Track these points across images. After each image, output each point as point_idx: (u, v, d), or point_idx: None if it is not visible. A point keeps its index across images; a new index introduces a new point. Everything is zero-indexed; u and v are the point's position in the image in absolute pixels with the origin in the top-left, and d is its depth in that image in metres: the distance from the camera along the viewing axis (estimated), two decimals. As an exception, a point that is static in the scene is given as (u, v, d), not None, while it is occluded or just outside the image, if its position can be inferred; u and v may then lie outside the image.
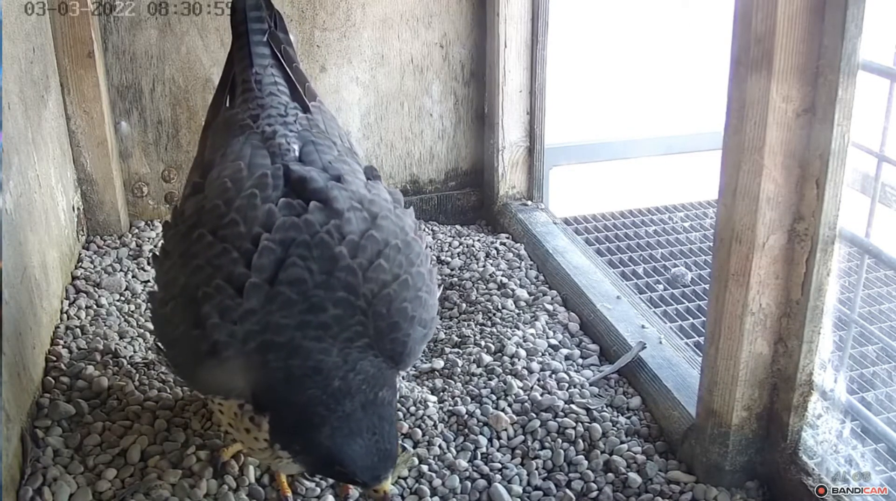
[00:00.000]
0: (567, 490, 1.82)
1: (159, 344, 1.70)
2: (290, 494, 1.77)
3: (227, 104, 1.98)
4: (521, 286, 2.58)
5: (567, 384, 2.11)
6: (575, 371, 2.18)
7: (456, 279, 2.66)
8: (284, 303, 1.48)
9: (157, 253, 1.76)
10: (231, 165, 1.69)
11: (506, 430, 1.98)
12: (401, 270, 1.59)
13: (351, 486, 1.79)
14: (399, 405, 2.05)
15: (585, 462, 1.88)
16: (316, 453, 1.48)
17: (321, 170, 1.69)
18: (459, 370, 2.20)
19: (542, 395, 2.06)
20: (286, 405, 1.47)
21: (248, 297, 1.48)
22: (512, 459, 1.91)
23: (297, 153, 1.74)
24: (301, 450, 1.49)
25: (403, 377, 2.19)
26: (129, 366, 2.15)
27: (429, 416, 2.01)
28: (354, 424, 1.45)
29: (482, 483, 1.84)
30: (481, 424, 1.99)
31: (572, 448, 1.92)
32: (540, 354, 2.23)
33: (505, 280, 2.59)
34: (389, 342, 1.56)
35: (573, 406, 2.02)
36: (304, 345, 1.47)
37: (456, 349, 2.31)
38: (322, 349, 1.47)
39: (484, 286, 2.58)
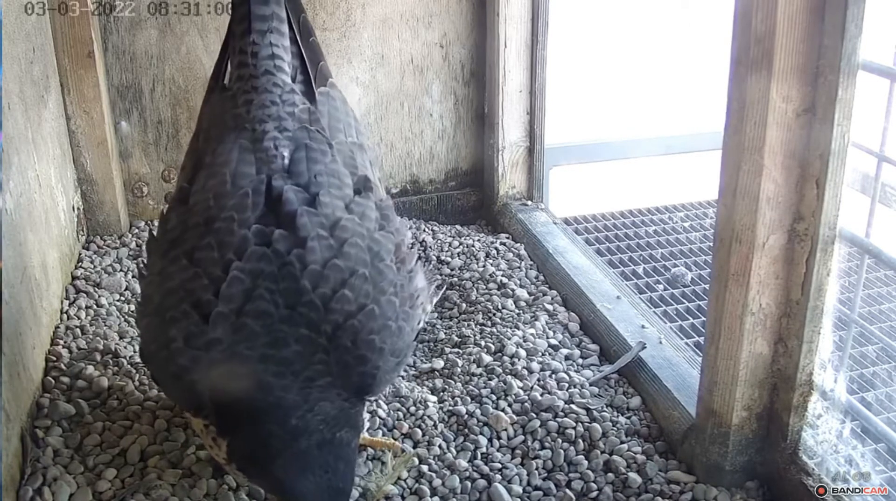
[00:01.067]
0: (567, 490, 1.82)
1: (140, 346, 1.72)
2: (290, 494, 1.77)
3: (226, 78, 1.87)
4: (521, 286, 2.57)
5: (567, 384, 2.11)
6: (575, 371, 2.18)
7: (456, 279, 2.66)
8: (249, 335, 1.48)
9: (145, 257, 1.79)
10: (218, 173, 1.66)
11: (506, 430, 1.98)
12: (367, 299, 1.56)
13: None
14: (399, 405, 2.05)
15: (585, 462, 1.88)
16: (268, 482, 1.52)
17: (303, 186, 1.63)
18: (459, 370, 2.20)
19: (542, 395, 2.06)
20: (245, 434, 1.49)
21: (214, 326, 1.48)
22: (512, 459, 1.91)
23: (285, 161, 1.67)
24: (254, 476, 1.52)
25: (403, 378, 2.19)
26: (129, 366, 2.15)
27: (429, 416, 2.01)
28: (307, 461, 1.45)
29: (482, 483, 1.84)
30: (481, 424, 1.99)
31: (572, 448, 1.92)
32: (540, 354, 2.23)
33: (505, 280, 2.59)
34: (357, 375, 1.55)
35: (573, 406, 2.02)
36: (265, 380, 1.47)
37: (456, 349, 2.31)
38: (283, 385, 1.47)
39: (484, 286, 2.58)
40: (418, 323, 1.73)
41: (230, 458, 1.52)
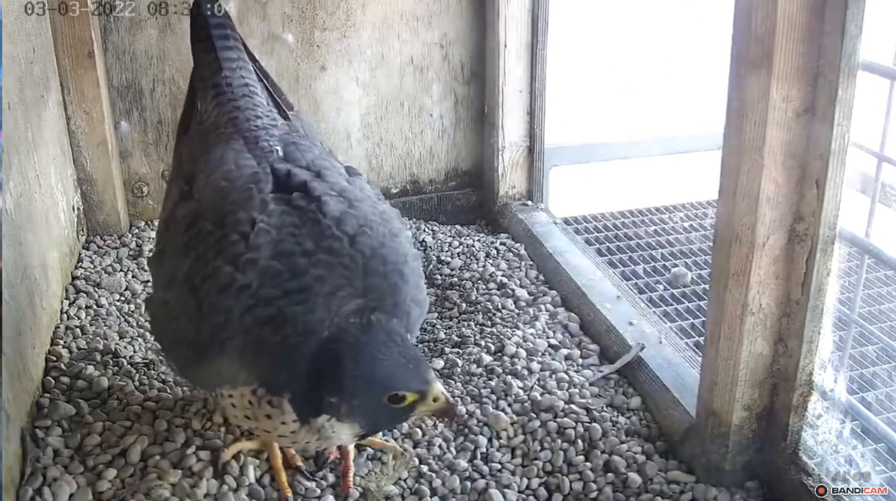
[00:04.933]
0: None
1: (160, 346, 1.73)
2: (290, 494, 1.77)
3: (199, 113, 2.00)
4: (521, 286, 2.57)
5: (567, 384, 2.11)
6: (575, 371, 2.18)
7: (456, 279, 2.66)
8: (273, 275, 1.53)
9: (152, 258, 1.82)
10: (220, 167, 1.74)
11: (506, 430, 1.98)
12: (385, 239, 1.64)
13: (351, 484, 1.79)
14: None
15: (585, 463, 1.88)
16: (358, 397, 1.47)
17: (304, 167, 1.76)
18: (459, 370, 2.20)
19: (542, 395, 2.06)
20: (298, 378, 1.47)
21: (244, 271, 1.53)
22: (512, 459, 1.91)
23: (280, 153, 1.79)
24: (341, 405, 1.47)
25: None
26: (129, 366, 2.15)
27: (429, 416, 2.01)
28: (366, 351, 1.46)
29: (482, 483, 1.83)
30: (481, 424, 1.99)
31: (572, 448, 1.92)
32: (540, 354, 2.23)
33: (505, 280, 2.59)
34: (391, 306, 1.57)
35: (573, 406, 2.02)
36: (289, 312, 1.50)
37: (456, 349, 2.31)
38: (307, 309, 1.50)
39: (484, 286, 2.58)
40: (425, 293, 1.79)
41: (302, 414, 1.49)
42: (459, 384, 2.14)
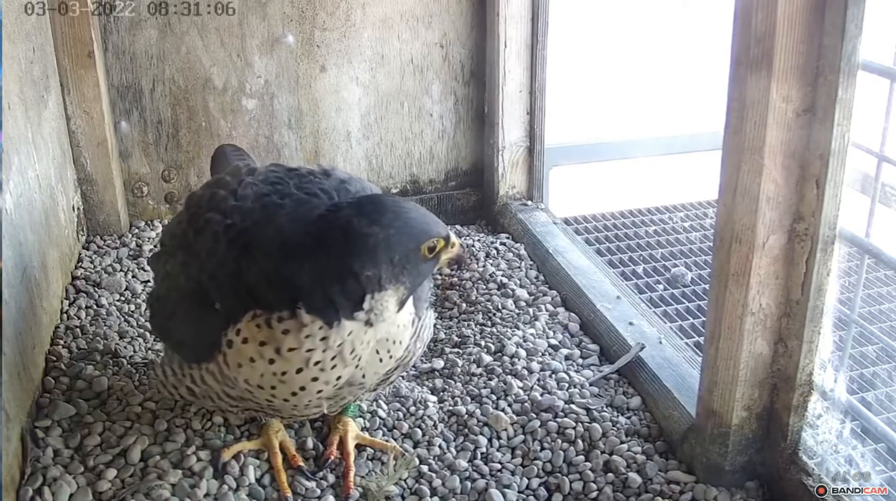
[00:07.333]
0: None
1: (160, 331, 1.78)
2: (290, 494, 1.77)
3: None
4: (521, 286, 2.57)
5: (567, 384, 2.11)
6: (575, 371, 2.18)
7: (456, 279, 2.66)
8: (248, 212, 1.61)
9: (153, 256, 1.87)
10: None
11: (506, 430, 1.98)
12: None
13: (351, 485, 1.80)
14: (399, 405, 2.05)
15: (585, 463, 1.88)
16: (397, 251, 1.43)
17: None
18: (459, 370, 2.20)
19: (542, 395, 2.06)
20: (297, 286, 1.44)
21: (230, 215, 1.60)
22: (512, 459, 1.91)
23: None
24: (381, 268, 1.42)
25: (403, 378, 2.19)
26: (129, 366, 2.15)
27: (429, 416, 2.01)
28: (383, 208, 1.46)
29: (482, 483, 1.83)
30: (481, 424, 1.99)
31: (572, 448, 1.92)
32: (540, 354, 2.23)
33: (505, 280, 2.59)
34: None
35: (573, 406, 2.02)
36: (265, 229, 1.54)
37: (456, 349, 2.31)
38: (275, 216, 1.57)
39: (484, 286, 2.58)
40: None
41: (326, 316, 1.44)
42: (459, 384, 2.14)
